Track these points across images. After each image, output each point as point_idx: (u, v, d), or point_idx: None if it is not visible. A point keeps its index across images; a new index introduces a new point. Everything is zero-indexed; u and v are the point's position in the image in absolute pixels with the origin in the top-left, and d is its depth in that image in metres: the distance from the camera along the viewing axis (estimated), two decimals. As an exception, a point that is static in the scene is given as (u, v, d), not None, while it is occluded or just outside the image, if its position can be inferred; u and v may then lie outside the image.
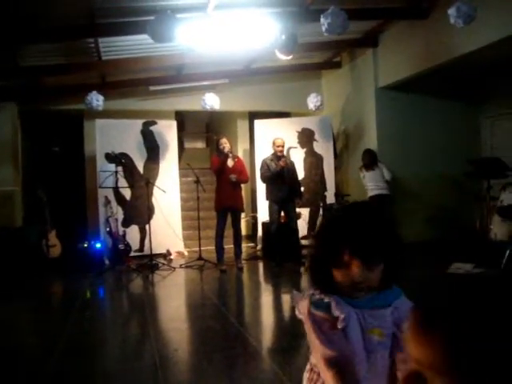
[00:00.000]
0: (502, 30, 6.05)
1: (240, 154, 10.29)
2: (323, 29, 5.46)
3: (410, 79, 8.04)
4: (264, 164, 7.52)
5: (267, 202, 7.69)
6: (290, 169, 7.59)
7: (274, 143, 7.58)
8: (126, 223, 8.69)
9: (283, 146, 7.58)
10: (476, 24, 5.77)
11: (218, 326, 4.59)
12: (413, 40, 7.67)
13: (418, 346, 0.71)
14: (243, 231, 9.17)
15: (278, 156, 7.47)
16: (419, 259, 7.63)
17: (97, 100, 7.55)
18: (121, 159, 8.43)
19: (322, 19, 5.41)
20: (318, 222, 8.76)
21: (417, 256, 7.82)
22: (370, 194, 7.83)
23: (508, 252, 6.00)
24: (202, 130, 12.60)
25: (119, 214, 8.60)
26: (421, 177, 8.60)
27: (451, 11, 5.57)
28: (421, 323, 0.71)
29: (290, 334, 4.25)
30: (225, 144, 7.21)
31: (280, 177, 7.37)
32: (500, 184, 6.83)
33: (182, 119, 11.44)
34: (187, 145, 12.08)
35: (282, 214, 7.62)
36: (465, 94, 9.17)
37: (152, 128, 9.00)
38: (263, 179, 7.57)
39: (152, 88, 9.19)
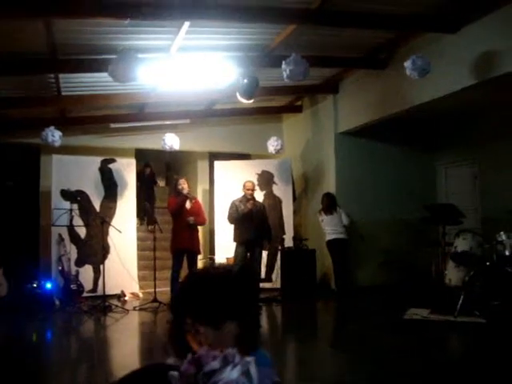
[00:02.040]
0: (454, 84, 6.34)
1: (199, 195, 10.23)
2: (285, 75, 5.57)
3: (369, 126, 8.25)
4: (233, 205, 7.50)
5: (234, 244, 7.62)
6: (260, 211, 7.58)
7: (244, 186, 7.60)
8: (80, 262, 8.42)
9: (253, 189, 7.61)
10: (431, 77, 6.03)
11: (170, 373, 4.41)
12: (371, 88, 7.90)
13: None
14: (200, 272, 8.99)
15: (248, 198, 7.47)
16: (375, 304, 7.67)
17: (52, 135, 7.39)
18: (76, 197, 8.23)
19: (283, 66, 5.52)
20: (276, 265, 8.72)
21: (372, 301, 7.86)
22: (328, 238, 7.86)
23: (462, 297, 6.07)
24: (162, 168, 12.52)
25: (73, 252, 8.34)
26: (378, 221, 8.71)
27: (407, 64, 5.80)
28: None
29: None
30: (183, 185, 7.14)
31: (248, 219, 7.33)
32: (455, 230, 6.97)
33: (151, 169, 11.19)
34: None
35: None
36: (421, 141, 9.44)
37: (111, 166, 8.87)
38: (231, 220, 7.52)
39: (113, 125, 9.09)
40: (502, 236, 6.25)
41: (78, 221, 8.36)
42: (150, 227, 9.71)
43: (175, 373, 0.94)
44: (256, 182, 8.82)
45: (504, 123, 7.97)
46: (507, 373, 4.12)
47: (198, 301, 1.26)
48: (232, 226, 7.55)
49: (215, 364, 0.88)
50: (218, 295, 1.28)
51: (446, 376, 4.16)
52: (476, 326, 5.76)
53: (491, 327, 5.66)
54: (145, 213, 9.97)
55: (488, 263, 6.20)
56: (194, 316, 1.24)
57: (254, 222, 7.34)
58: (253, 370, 0.94)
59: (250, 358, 0.94)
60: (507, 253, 6.16)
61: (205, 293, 1.28)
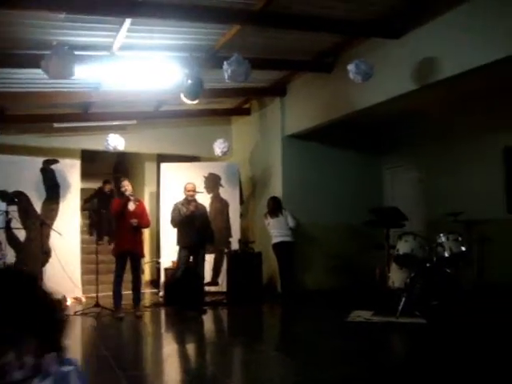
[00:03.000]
0: (398, 87, 6.44)
1: (146, 197, 10.05)
2: (226, 76, 5.51)
3: (316, 129, 8.28)
4: (176, 208, 7.38)
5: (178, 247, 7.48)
6: (202, 213, 7.48)
7: (185, 188, 7.48)
8: (19, 267, 8.07)
9: (194, 191, 7.50)
10: (375, 81, 6.11)
11: (105, 382, 4.25)
12: (318, 91, 7.94)
13: None
14: (147, 276, 8.82)
15: (189, 200, 7.37)
16: (320, 308, 7.70)
17: (-13, 134, 7.08)
18: (14, 198, 7.90)
19: (225, 66, 5.46)
20: (222, 269, 8.63)
21: (318, 304, 7.89)
22: (274, 240, 7.84)
23: (403, 299, 6.15)
24: (110, 170, 12.22)
25: (11, 256, 7.99)
26: (324, 225, 8.75)
27: (350, 67, 5.85)
28: None
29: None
30: (126, 186, 6.98)
31: (190, 221, 7.23)
32: (398, 233, 7.07)
33: (111, 186, 10.73)
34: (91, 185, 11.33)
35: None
36: (367, 145, 9.57)
37: (53, 166, 8.56)
38: (173, 223, 7.40)
39: (56, 125, 8.81)
40: (442, 238, 6.40)
41: (16, 223, 8.02)
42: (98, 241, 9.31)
43: None
44: (203, 185, 8.73)
45: (443, 128, 8.19)
46: (446, 372, 4.18)
47: None
48: (176, 230, 7.43)
49: (18, 374, 0.76)
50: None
51: (388, 377, 4.19)
52: (416, 327, 5.84)
53: (431, 327, 5.75)
54: (97, 229, 9.62)
55: (428, 264, 6.32)
56: None
57: (195, 225, 7.24)
58: (73, 381, 0.81)
59: (70, 368, 0.82)
60: (446, 254, 6.31)
61: None
